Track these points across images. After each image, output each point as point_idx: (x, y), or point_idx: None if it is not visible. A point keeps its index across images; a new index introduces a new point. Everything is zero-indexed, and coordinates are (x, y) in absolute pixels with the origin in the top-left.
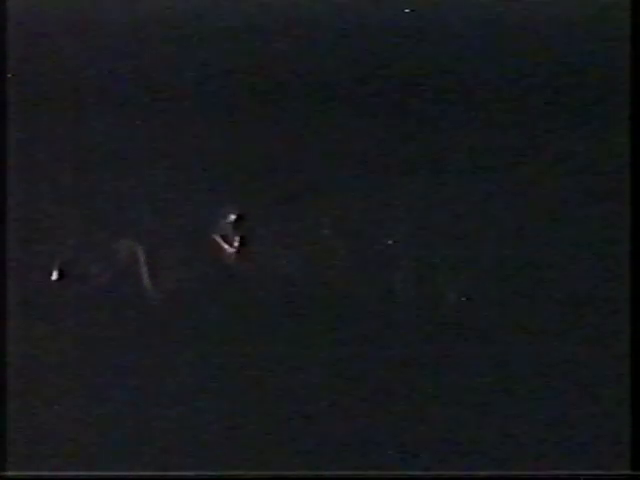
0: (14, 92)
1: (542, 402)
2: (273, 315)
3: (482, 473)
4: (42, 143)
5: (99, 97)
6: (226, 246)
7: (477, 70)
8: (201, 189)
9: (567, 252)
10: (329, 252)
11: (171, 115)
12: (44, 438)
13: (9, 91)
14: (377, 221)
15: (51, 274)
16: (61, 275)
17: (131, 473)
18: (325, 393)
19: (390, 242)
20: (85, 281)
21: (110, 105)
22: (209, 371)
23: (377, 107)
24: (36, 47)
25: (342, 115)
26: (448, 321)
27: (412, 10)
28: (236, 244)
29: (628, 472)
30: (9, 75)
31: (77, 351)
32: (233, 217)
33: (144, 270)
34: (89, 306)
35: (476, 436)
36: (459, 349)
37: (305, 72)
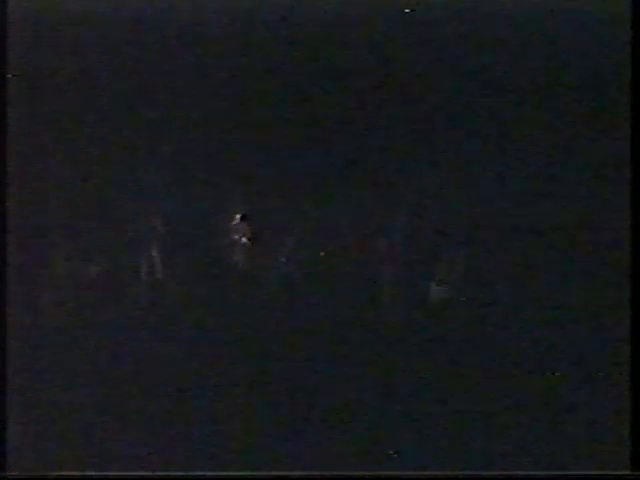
0: (14, 92)
1: (542, 402)
2: (275, 311)
3: (482, 473)
4: (43, 144)
5: (102, 98)
6: (243, 239)
7: (477, 69)
8: (210, 189)
9: (567, 251)
10: (332, 249)
11: (177, 115)
12: (44, 438)
13: (9, 91)
14: (380, 219)
15: (52, 275)
16: (63, 276)
17: (131, 473)
18: (326, 392)
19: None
20: (87, 283)
21: (113, 107)
22: (211, 371)
23: (379, 108)
24: (36, 47)
25: (346, 116)
26: (449, 320)
27: (412, 10)
28: (246, 239)
29: (628, 472)
30: (9, 75)
31: (78, 352)
32: (239, 216)
33: (158, 266)
34: (90, 307)
35: (476, 436)
36: (458, 348)
37: (308, 76)
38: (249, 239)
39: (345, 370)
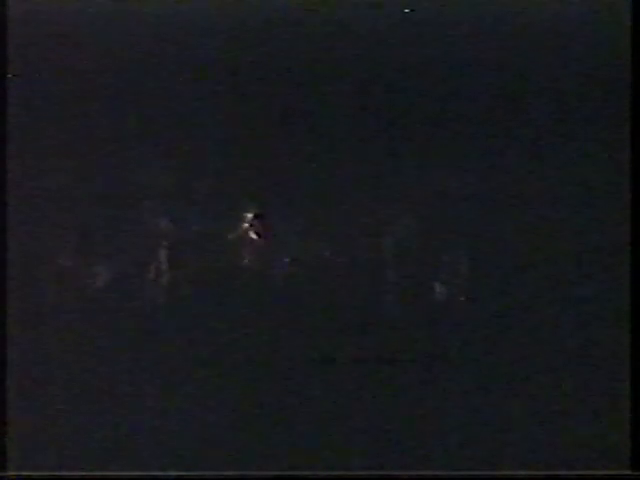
0: (14, 92)
1: (542, 403)
2: (280, 309)
3: (482, 473)
4: (43, 145)
5: (105, 99)
6: (254, 236)
7: (478, 70)
8: (223, 190)
9: (567, 253)
10: (337, 249)
11: (185, 117)
12: (44, 438)
13: (9, 91)
14: (383, 218)
15: (57, 276)
16: (64, 277)
17: (131, 473)
18: (327, 390)
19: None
20: (88, 283)
21: (115, 107)
22: (213, 370)
23: (385, 110)
24: (36, 47)
25: (349, 118)
26: (449, 320)
27: (412, 10)
28: (255, 236)
29: (628, 472)
30: (9, 75)
31: (78, 352)
32: (250, 215)
33: (163, 266)
34: (90, 308)
35: (476, 436)
36: (458, 348)
37: (312, 80)
38: (258, 235)
39: (347, 368)
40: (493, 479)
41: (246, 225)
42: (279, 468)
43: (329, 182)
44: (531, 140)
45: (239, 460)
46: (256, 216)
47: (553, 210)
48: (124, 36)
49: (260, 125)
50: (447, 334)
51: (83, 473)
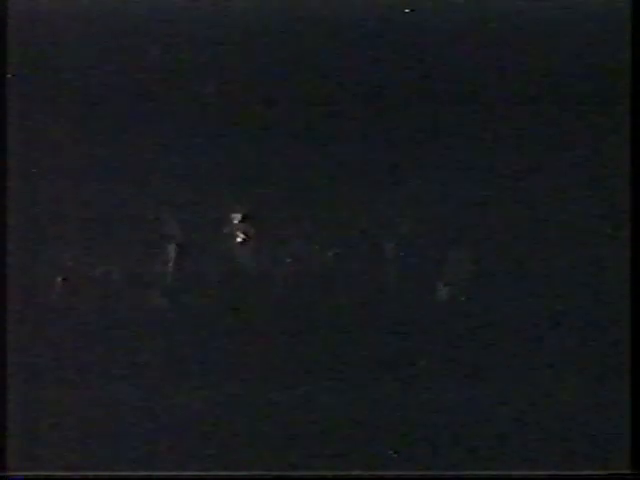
0: (14, 92)
1: (542, 402)
2: (273, 311)
3: (482, 473)
4: (43, 144)
5: (103, 99)
6: (241, 237)
7: (477, 70)
8: (213, 192)
9: (568, 253)
10: (329, 248)
11: (175, 119)
12: (44, 438)
13: (9, 91)
14: (376, 221)
15: (54, 276)
16: (64, 278)
17: (132, 473)
18: (328, 392)
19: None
20: (88, 283)
21: (115, 108)
22: (211, 371)
23: (385, 108)
24: (36, 47)
25: (344, 119)
26: (449, 320)
27: (412, 10)
28: (243, 237)
29: (628, 472)
30: (9, 75)
31: (78, 352)
32: (239, 216)
33: (171, 263)
34: (90, 307)
35: (476, 436)
36: (458, 349)
37: (309, 77)
38: (246, 236)
39: (348, 370)
40: (493, 479)
41: (232, 228)
42: (279, 468)
43: (330, 182)
44: (532, 141)
45: (239, 460)
46: (244, 218)
47: (554, 210)
48: (125, 36)
49: (256, 122)
50: (448, 334)
51: (83, 473)
